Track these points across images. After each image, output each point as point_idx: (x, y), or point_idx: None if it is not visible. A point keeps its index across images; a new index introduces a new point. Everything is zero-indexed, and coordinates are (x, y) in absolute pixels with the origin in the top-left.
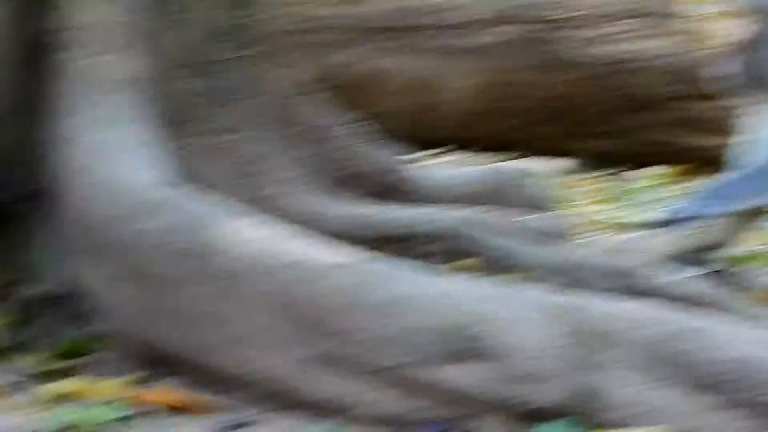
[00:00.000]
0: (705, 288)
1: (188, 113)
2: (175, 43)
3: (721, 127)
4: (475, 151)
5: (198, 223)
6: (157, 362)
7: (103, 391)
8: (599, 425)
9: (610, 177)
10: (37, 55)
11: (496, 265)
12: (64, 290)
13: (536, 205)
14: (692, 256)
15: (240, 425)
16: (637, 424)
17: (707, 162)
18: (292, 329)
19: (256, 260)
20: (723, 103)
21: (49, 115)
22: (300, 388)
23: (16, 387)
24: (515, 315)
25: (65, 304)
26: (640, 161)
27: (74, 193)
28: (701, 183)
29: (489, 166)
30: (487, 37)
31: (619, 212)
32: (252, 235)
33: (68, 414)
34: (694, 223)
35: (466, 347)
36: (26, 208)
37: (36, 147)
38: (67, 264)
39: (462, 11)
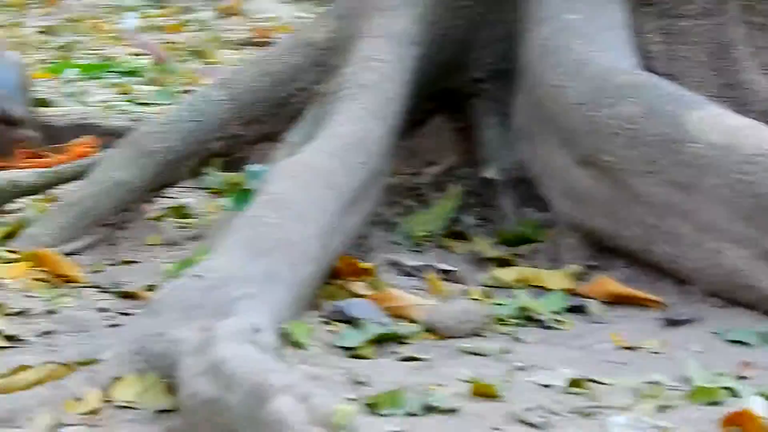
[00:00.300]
0: None
1: None
2: None
3: None
4: None
5: (670, 109)
6: (602, 252)
7: (548, 280)
8: None
9: None
10: None
11: None
12: (517, 174)
13: None
14: None
15: (687, 320)
16: None
17: None
18: (755, 223)
19: (727, 150)
20: None
21: None
22: (754, 285)
23: (465, 271)
24: None
25: (517, 189)
26: None
27: (540, 75)
28: None
29: None
30: None
31: None
32: (724, 124)
33: (519, 301)
34: None
35: None
36: (485, 89)
37: (498, 27)
38: (523, 147)
39: None
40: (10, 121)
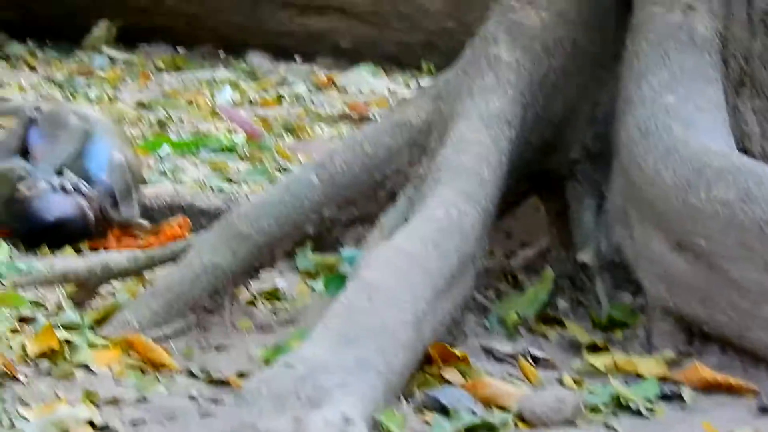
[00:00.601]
0: None
1: (756, 74)
2: (748, 3)
3: None
4: None
5: (766, 193)
6: (696, 338)
7: (641, 366)
8: None
9: None
10: (606, 14)
11: None
12: (612, 258)
13: None
14: None
15: None
16: None
17: None
18: None
19: None
20: None
21: (611, 75)
22: None
23: (559, 357)
24: None
25: (611, 273)
26: None
27: (636, 157)
28: None
29: None
30: None
31: None
32: None
33: (612, 389)
34: None
35: None
36: (581, 171)
37: (594, 108)
38: (618, 230)
39: None
40: (108, 219)
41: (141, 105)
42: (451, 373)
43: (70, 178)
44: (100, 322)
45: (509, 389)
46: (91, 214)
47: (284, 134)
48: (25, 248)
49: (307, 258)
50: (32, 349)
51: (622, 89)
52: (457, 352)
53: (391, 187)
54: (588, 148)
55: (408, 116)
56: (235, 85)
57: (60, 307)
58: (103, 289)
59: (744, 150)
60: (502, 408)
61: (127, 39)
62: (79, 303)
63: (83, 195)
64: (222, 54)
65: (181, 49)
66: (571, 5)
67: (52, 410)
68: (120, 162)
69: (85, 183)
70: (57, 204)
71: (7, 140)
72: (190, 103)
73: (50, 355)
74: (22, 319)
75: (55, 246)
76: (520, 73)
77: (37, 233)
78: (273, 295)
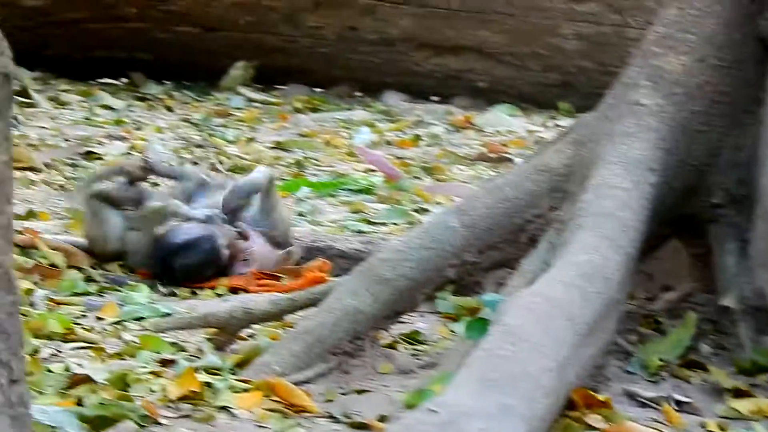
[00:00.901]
0: None
1: None
2: None
3: None
4: None
5: None
6: None
7: None
8: None
9: None
10: (747, 58)
11: None
12: (755, 303)
13: None
14: None
15: None
16: None
17: None
18: None
19: None
20: None
21: (753, 119)
22: None
23: (702, 402)
24: None
25: (755, 317)
26: None
27: None
28: None
29: None
30: None
31: None
32: None
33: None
34: None
35: None
36: (723, 215)
37: (736, 152)
38: (762, 275)
39: None
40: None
41: (278, 146)
42: (594, 419)
43: (208, 210)
44: (241, 365)
45: None
46: (220, 240)
47: (422, 175)
48: (161, 285)
49: (448, 301)
50: (173, 392)
51: (763, 134)
52: (600, 396)
53: (532, 232)
54: (730, 192)
55: (548, 161)
56: (371, 126)
57: (200, 351)
58: (244, 333)
59: None
60: None
61: (264, 80)
62: (219, 346)
63: (217, 224)
64: (358, 94)
65: (317, 90)
66: (712, 50)
67: None
68: (264, 173)
69: (223, 214)
70: (183, 230)
71: (173, 190)
72: (327, 143)
73: (191, 398)
74: (163, 362)
75: (188, 276)
76: (661, 118)
77: (166, 262)
78: (413, 338)
